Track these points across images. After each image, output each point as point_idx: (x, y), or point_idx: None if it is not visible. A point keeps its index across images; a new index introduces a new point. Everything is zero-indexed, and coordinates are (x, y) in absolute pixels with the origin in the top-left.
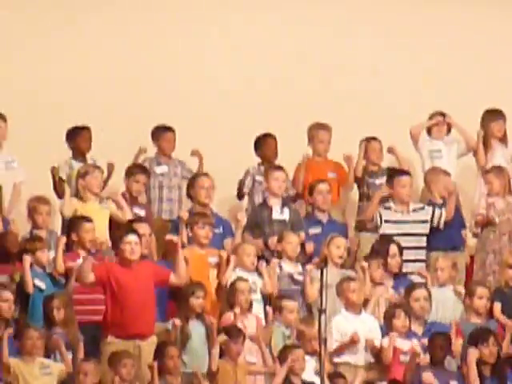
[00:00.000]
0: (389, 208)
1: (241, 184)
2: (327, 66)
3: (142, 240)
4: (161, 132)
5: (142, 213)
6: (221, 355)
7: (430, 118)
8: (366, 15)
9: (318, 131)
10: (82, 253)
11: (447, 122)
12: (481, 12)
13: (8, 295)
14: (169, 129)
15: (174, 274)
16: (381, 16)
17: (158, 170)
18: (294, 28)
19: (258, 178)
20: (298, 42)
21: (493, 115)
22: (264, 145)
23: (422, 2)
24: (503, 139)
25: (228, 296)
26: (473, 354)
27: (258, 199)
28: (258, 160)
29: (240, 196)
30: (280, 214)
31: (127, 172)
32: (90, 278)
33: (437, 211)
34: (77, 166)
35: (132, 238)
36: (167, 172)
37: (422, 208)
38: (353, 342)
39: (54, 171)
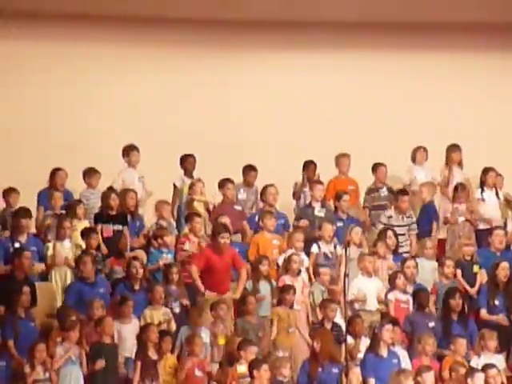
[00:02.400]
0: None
1: (294, 192)
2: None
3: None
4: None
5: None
6: (278, 304)
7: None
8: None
9: (341, 158)
10: (192, 237)
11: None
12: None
13: (137, 264)
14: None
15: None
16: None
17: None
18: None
19: (304, 188)
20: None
21: (452, 148)
22: (307, 168)
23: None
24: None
25: (285, 265)
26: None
27: (304, 201)
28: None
29: (294, 198)
30: (319, 212)
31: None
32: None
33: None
34: (187, 181)
35: (226, 235)
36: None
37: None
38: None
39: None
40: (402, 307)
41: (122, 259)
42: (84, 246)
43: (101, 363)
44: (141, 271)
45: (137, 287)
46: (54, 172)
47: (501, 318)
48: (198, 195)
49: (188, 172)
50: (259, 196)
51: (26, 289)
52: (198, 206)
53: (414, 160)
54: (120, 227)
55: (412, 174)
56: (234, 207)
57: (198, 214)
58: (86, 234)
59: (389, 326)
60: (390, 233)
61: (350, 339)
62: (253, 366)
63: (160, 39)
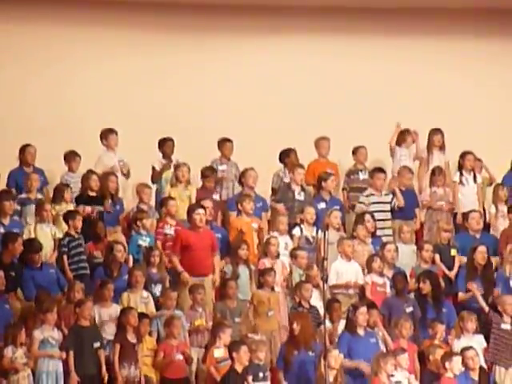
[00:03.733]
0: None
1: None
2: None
3: (206, 211)
4: (221, 142)
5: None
6: (259, 287)
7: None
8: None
9: (321, 141)
10: (169, 220)
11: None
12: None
13: (121, 247)
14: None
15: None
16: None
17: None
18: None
19: (281, 174)
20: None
21: (434, 131)
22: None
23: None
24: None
25: (264, 248)
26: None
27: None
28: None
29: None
30: (299, 195)
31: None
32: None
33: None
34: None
35: (200, 210)
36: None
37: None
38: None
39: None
40: (379, 290)
41: (100, 243)
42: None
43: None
44: (124, 255)
45: (116, 273)
46: (24, 148)
47: (477, 292)
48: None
49: (166, 155)
50: (239, 179)
51: (1, 273)
52: (174, 192)
53: (399, 142)
54: (101, 208)
55: (397, 156)
56: (212, 196)
57: (172, 198)
58: (69, 215)
59: (363, 309)
60: (367, 216)
61: (328, 323)
62: (232, 348)
63: (144, 22)
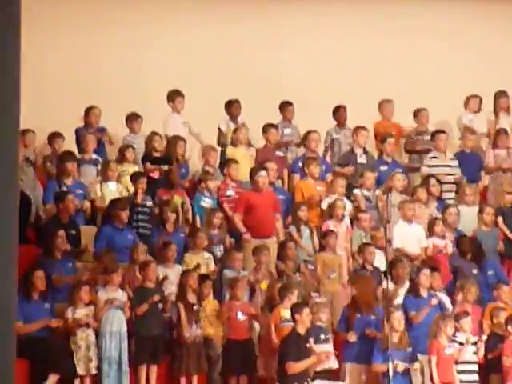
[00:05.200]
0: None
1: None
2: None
3: (270, 173)
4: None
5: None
6: (321, 249)
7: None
8: None
9: (385, 104)
10: (230, 182)
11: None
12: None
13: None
14: (290, 103)
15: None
16: None
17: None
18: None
19: (335, 135)
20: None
21: (500, 94)
22: (337, 112)
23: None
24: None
25: (329, 210)
26: None
27: (339, 147)
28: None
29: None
30: (361, 158)
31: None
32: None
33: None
34: (232, 125)
35: (263, 172)
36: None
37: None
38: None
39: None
40: (440, 253)
41: (172, 190)
42: (132, 190)
43: (144, 307)
44: (173, 216)
45: (170, 231)
46: (88, 110)
47: None
48: (240, 142)
49: (233, 117)
50: (301, 142)
51: (61, 232)
52: (237, 153)
53: (466, 107)
54: (166, 167)
55: (466, 119)
56: (276, 152)
57: (235, 160)
58: (134, 178)
59: (426, 271)
60: (433, 180)
61: (390, 284)
62: (294, 310)
63: None
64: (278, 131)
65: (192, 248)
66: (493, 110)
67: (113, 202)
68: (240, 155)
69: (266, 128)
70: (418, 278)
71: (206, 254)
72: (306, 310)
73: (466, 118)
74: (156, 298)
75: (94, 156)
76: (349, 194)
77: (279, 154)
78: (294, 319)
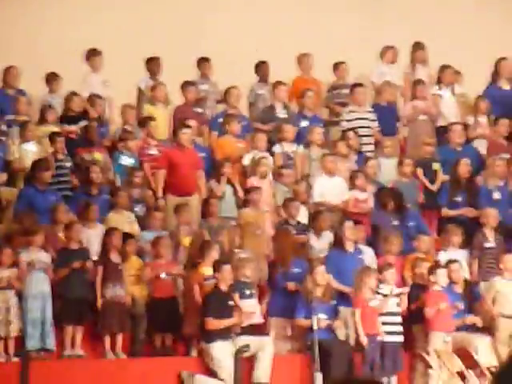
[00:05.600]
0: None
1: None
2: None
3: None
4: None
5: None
6: (245, 205)
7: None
8: None
9: (303, 58)
10: (151, 140)
11: None
12: None
13: (96, 169)
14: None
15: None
16: None
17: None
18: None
19: (259, 91)
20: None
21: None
22: (260, 68)
23: None
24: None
25: (253, 167)
26: None
27: (264, 103)
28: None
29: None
30: (281, 113)
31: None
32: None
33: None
34: (151, 83)
35: (186, 130)
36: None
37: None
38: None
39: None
40: (362, 206)
41: (91, 148)
42: (51, 150)
43: (64, 271)
44: (100, 176)
45: (95, 192)
46: (7, 70)
47: (466, 211)
48: (159, 100)
49: (153, 74)
50: (221, 98)
51: None
52: (155, 111)
53: (382, 58)
54: (85, 122)
55: (378, 72)
56: (194, 109)
57: (153, 118)
58: (52, 138)
59: (349, 223)
60: (351, 134)
61: (312, 236)
62: (215, 267)
63: None
64: (196, 88)
65: (114, 207)
66: (410, 62)
67: (35, 162)
68: (158, 113)
69: (184, 85)
70: (341, 231)
71: (129, 214)
72: (227, 267)
73: (380, 70)
74: (76, 264)
75: (26, 118)
76: (270, 150)
77: (197, 110)
78: (215, 276)
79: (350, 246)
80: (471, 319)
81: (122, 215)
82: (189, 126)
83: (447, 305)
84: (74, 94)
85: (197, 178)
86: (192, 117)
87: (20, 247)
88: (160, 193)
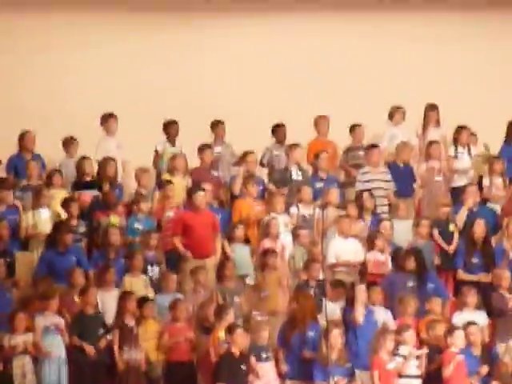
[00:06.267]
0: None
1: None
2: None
3: (206, 194)
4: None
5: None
6: (262, 268)
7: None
8: None
9: (320, 120)
10: (168, 203)
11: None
12: None
13: (116, 231)
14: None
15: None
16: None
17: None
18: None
19: (275, 152)
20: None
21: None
22: (276, 132)
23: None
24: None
25: (264, 229)
26: None
27: (278, 166)
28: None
29: (262, 165)
30: (297, 175)
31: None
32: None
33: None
34: (169, 146)
35: (201, 192)
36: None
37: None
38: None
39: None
40: (380, 268)
41: (108, 211)
42: (64, 216)
43: (89, 349)
44: (119, 239)
45: (112, 255)
46: (23, 134)
47: (482, 276)
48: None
49: (171, 138)
50: (238, 162)
51: (1, 261)
52: (174, 179)
53: (391, 119)
54: (97, 193)
55: (389, 135)
56: (211, 173)
57: (171, 181)
58: (65, 203)
59: (361, 287)
60: (366, 194)
61: (330, 304)
62: (228, 330)
63: (132, 4)
64: (212, 151)
65: (131, 270)
66: (423, 122)
67: (57, 225)
68: (176, 182)
69: (201, 148)
70: (353, 293)
71: (144, 277)
72: (239, 331)
73: (391, 132)
74: (89, 350)
75: (40, 182)
76: (288, 212)
77: (215, 173)
78: (227, 341)
79: (361, 309)
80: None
81: (138, 278)
82: (203, 189)
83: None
84: (85, 158)
85: (214, 241)
86: (208, 179)
87: (35, 312)
88: (183, 250)
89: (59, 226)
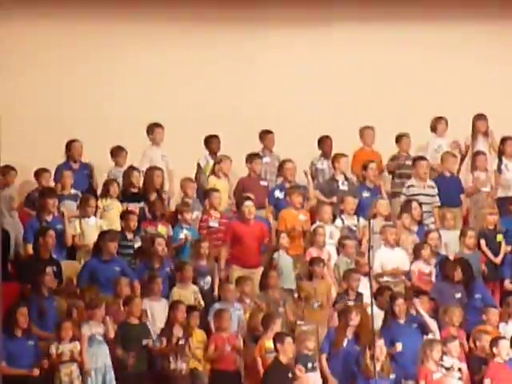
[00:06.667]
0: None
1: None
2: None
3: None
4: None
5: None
6: (309, 277)
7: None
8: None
9: (366, 131)
10: (213, 212)
11: None
12: None
13: (162, 241)
14: (270, 132)
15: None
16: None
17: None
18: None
19: (320, 166)
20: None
21: (478, 117)
22: (323, 143)
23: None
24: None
25: (311, 238)
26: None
27: (323, 177)
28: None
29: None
30: (343, 185)
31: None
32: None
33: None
34: (211, 161)
35: (248, 202)
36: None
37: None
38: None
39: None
40: (425, 279)
41: (156, 221)
42: (120, 227)
43: (132, 361)
44: (165, 249)
45: (157, 265)
46: (70, 144)
47: None
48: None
49: (212, 152)
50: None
51: (50, 269)
52: (219, 184)
53: (434, 131)
54: (143, 205)
55: (433, 145)
56: (260, 182)
57: (216, 190)
58: (124, 215)
59: (400, 301)
60: (414, 204)
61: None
62: (276, 339)
63: (178, 15)
64: (261, 161)
65: (180, 281)
66: (471, 133)
67: (102, 233)
68: (221, 187)
69: (251, 158)
70: (393, 307)
71: (195, 287)
72: (288, 339)
73: (436, 143)
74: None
75: (73, 191)
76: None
77: (263, 183)
78: (276, 349)
79: (401, 319)
80: None
81: (187, 290)
82: (251, 199)
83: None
84: (133, 168)
85: (260, 250)
86: (257, 189)
87: (81, 320)
88: (222, 265)
89: (104, 235)
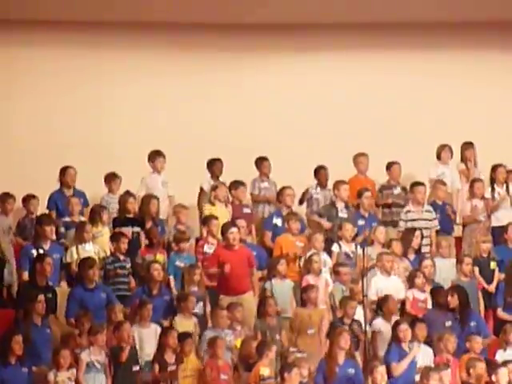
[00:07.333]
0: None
1: (303, 196)
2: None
3: (240, 230)
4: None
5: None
6: (303, 304)
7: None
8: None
9: (359, 158)
10: (211, 239)
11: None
12: None
13: (158, 267)
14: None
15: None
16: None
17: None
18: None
19: (315, 195)
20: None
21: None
22: (318, 173)
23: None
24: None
25: (306, 265)
26: None
27: (317, 206)
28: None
29: (301, 202)
30: (342, 212)
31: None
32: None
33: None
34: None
35: (233, 229)
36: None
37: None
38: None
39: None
40: (420, 306)
41: (152, 248)
42: (109, 252)
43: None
44: (162, 274)
45: (155, 292)
46: (64, 170)
47: None
48: (219, 199)
49: (215, 176)
50: (276, 197)
51: (41, 297)
52: (215, 211)
53: (438, 158)
54: (138, 229)
55: (437, 172)
56: (243, 210)
57: (215, 217)
58: (115, 238)
59: (403, 326)
60: (418, 233)
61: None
62: (284, 368)
63: (183, 42)
64: (246, 189)
65: (182, 312)
66: (460, 161)
67: (81, 261)
68: (218, 213)
69: (234, 185)
70: (397, 333)
71: (195, 319)
72: (295, 370)
73: (440, 170)
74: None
75: (82, 218)
76: (329, 249)
77: (247, 211)
78: (282, 377)
79: (405, 346)
80: None
81: (189, 321)
82: (236, 225)
83: None
84: (129, 194)
85: (250, 276)
86: (241, 216)
87: (77, 348)
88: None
89: (83, 263)
